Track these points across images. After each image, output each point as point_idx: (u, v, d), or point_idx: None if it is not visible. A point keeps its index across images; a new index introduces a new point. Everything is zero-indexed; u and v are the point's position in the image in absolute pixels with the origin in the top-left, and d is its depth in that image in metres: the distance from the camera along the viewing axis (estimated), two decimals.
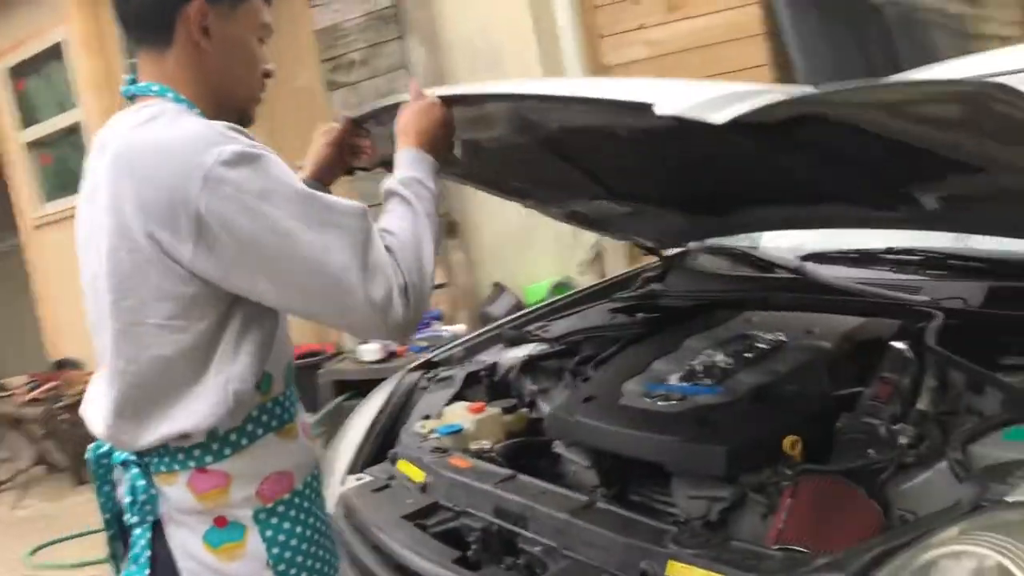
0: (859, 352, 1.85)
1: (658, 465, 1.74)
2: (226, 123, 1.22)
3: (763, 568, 1.30)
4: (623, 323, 2.43)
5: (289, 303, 1.23)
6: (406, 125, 1.44)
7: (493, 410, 2.11)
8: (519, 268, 4.65)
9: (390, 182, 1.36)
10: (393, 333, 1.23)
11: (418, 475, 1.92)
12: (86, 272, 1.30)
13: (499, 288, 4.55)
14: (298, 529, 1.32)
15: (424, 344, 4.13)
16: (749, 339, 1.97)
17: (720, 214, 2.20)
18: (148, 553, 1.28)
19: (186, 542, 1.28)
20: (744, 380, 1.81)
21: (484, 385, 2.32)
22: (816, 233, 2.43)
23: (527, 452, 2.03)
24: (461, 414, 2.10)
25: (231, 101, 1.33)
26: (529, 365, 2.33)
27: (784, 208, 2.08)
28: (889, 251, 2.20)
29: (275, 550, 1.29)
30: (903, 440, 1.56)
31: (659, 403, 1.81)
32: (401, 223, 1.29)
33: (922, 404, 1.64)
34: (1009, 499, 1.19)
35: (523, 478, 1.78)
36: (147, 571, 1.28)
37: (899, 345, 1.79)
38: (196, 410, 1.22)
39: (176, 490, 1.27)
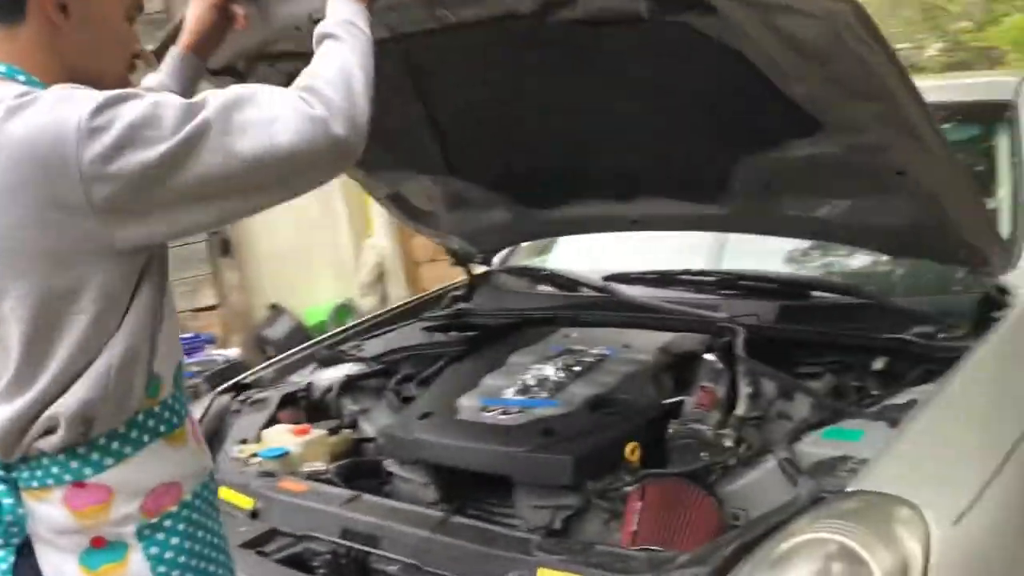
0: (676, 364, 1.99)
1: (499, 478, 1.78)
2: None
3: (631, 568, 1.37)
4: (440, 341, 2.45)
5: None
6: None
7: (319, 432, 2.05)
8: (296, 289, 4.53)
9: (322, 25, 1.25)
10: (346, 156, 1.13)
11: (245, 502, 1.82)
12: None
13: (276, 310, 4.41)
14: (187, 544, 1.18)
15: (196, 369, 3.91)
16: (575, 353, 2.06)
17: (544, 205, 2.29)
18: None
19: (60, 566, 1.13)
20: (577, 392, 1.89)
21: (301, 407, 2.25)
22: (616, 256, 2.60)
23: (360, 472, 1.99)
24: (284, 437, 2.02)
25: (93, 85, 1.16)
26: (348, 385, 2.28)
27: (604, 204, 2.20)
28: (686, 272, 2.40)
29: (161, 569, 1.15)
30: (728, 443, 1.70)
31: (499, 417, 1.84)
32: (329, 61, 1.19)
33: (740, 410, 1.80)
34: (849, 489, 1.34)
35: (368, 497, 1.75)
36: None
37: (711, 357, 1.95)
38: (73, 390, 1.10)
39: (49, 508, 1.12)
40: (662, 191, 2.12)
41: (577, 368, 1.98)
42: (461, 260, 2.76)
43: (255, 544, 1.67)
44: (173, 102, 1.07)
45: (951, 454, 1.46)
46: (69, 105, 1.05)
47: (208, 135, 1.05)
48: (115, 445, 1.13)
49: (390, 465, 1.95)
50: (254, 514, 1.78)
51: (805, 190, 1.93)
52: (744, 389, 1.84)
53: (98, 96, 1.06)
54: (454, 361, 2.26)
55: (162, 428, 1.18)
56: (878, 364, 1.89)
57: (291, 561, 1.63)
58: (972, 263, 1.94)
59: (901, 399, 1.62)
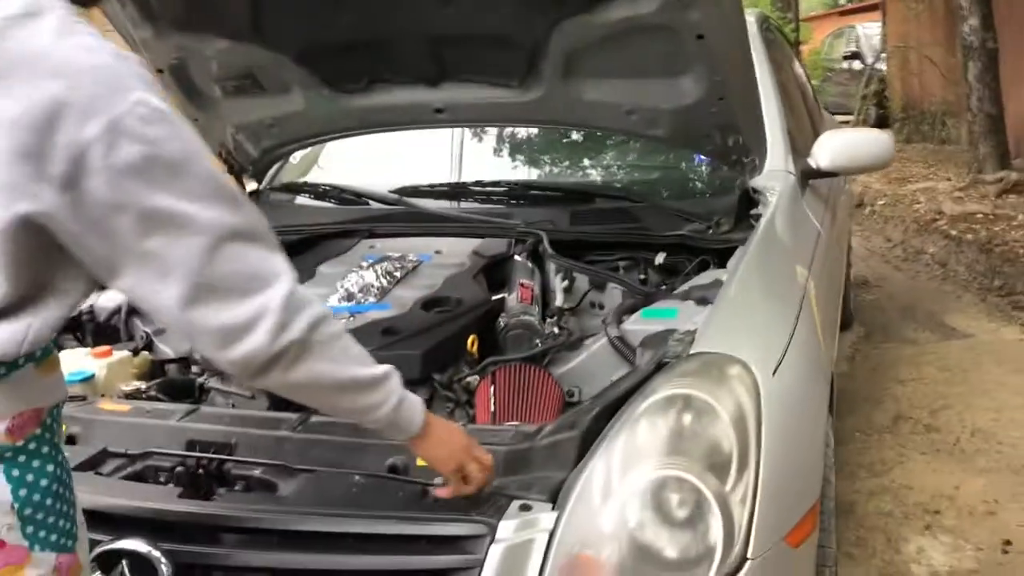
0: (488, 266, 2.10)
1: None
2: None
3: (506, 440, 1.46)
4: None
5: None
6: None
7: (122, 353, 1.91)
8: None
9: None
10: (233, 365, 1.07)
11: None
12: None
13: None
14: (48, 468, 1.11)
15: None
16: (389, 260, 2.09)
17: (346, 88, 2.26)
18: None
19: None
20: (405, 295, 1.94)
21: (88, 331, 2.07)
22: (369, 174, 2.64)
23: (175, 392, 1.89)
24: (84, 360, 1.87)
25: None
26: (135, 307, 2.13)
27: (409, 90, 2.22)
28: (478, 183, 2.50)
29: (22, 492, 1.07)
30: (554, 330, 1.85)
31: None
32: (350, 344, 1.16)
33: (558, 301, 1.96)
34: (689, 353, 1.53)
35: (208, 409, 1.68)
36: None
37: (520, 258, 2.09)
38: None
39: None
40: (471, 74, 2.17)
41: (397, 273, 2.03)
42: (236, 171, 2.65)
43: (90, 466, 1.55)
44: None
45: (760, 320, 1.71)
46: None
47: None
48: None
49: (211, 382, 1.88)
50: (71, 439, 1.64)
51: (607, 71, 2.07)
52: (560, 283, 1.99)
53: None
54: None
55: (37, 354, 1.08)
56: (660, 258, 2.13)
57: (137, 479, 1.54)
58: (735, 159, 2.23)
59: (704, 280, 1.85)
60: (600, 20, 1.93)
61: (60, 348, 1.47)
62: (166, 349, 2.08)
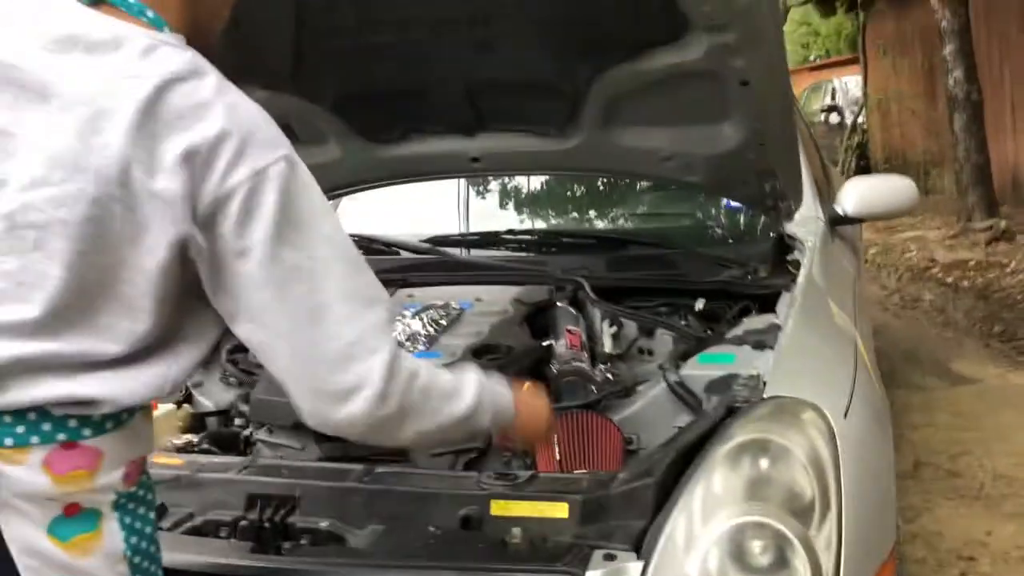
0: (531, 313, 2.09)
1: None
2: None
3: (581, 489, 1.44)
4: None
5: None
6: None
7: (167, 406, 1.88)
8: None
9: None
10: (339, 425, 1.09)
11: None
12: None
13: None
14: (151, 515, 1.11)
15: None
16: (433, 308, 2.07)
17: (382, 139, 2.25)
18: None
19: (26, 537, 1.00)
20: (452, 343, 1.92)
21: None
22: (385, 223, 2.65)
23: (222, 444, 1.86)
24: None
25: (202, 39, 1.09)
26: None
27: (445, 140, 2.22)
28: (510, 232, 2.50)
29: (133, 540, 1.06)
30: (608, 376, 1.84)
31: None
32: (442, 384, 1.18)
33: (607, 348, 1.94)
34: (765, 397, 1.52)
35: (264, 461, 1.64)
36: None
37: (563, 305, 2.08)
38: (125, 383, 0.98)
39: (23, 471, 0.98)
40: (509, 123, 2.18)
41: (443, 322, 2.01)
42: None
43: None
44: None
45: (823, 364, 1.71)
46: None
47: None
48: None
49: (259, 433, 1.85)
50: None
51: (647, 117, 2.09)
52: (607, 329, 1.98)
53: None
54: None
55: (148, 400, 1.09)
56: (700, 304, 2.12)
57: (198, 533, 1.49)
58: (771, 206, 2.24)
59: (758, 325, 1.85)
60: (645, 67, 1.95)
61: None
62: (206, 402, 2.05)
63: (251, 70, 2.12)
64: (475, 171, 2.37)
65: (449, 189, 2.85)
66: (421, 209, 2.92)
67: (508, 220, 2.73)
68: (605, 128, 2.16)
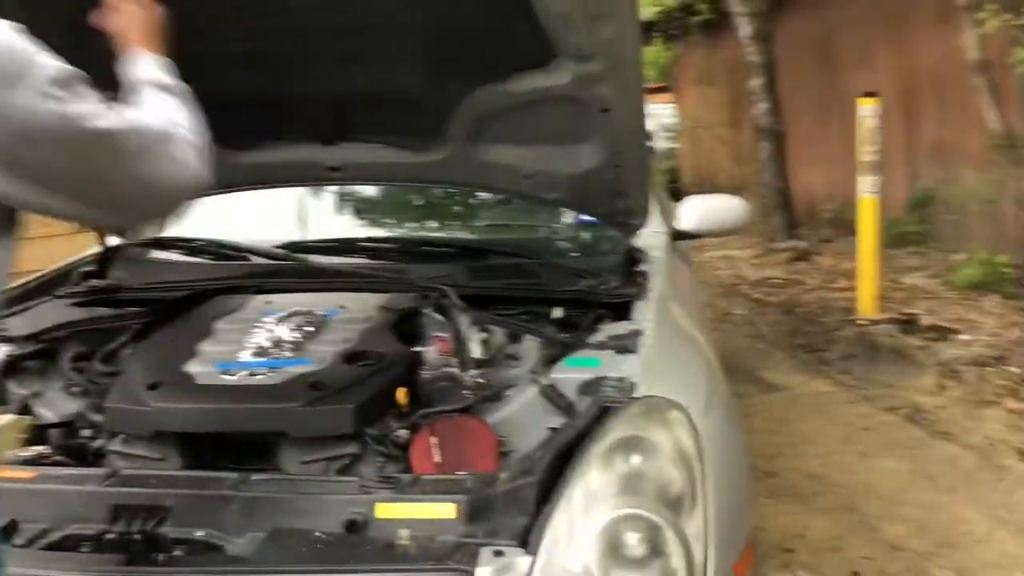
0: (397, 320, 2.09)
1: (247, 442, 1.73)
2: None
3: (466, 489, 1.47)
4: (105, 316, 2.22)
5: None
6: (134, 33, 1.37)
7: (8, 417, 1.75)
8: None
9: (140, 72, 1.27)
10: None
11: None
12: None
13: None
14: None
15: None
16: (297, 315, 2.04)
17: (237, 145, 2.19)
18: None
19: None
20: (321, 349, 1.90)
21: None
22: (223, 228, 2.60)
23: (74, 455, 1.75)
24: None
25: None
26: (11, 367, 1.96)
27: (303, 148, 2.19)
28: (369, 239, 2.49)
29: None
30: (480, 380, 1.87)
31: (252, 378, 1.78)
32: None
33: (475, 353, 1.98)
34: (635, 396, 1.60)
35: (129, 472, 1.56)
36: None
37: (432, 312, 2.10)
38: None
39: None
40: (373, 135, 2.19)
41: (309, 328, 1.98)
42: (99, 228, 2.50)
43: (3, 536, 1.40)
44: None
45: (682, 366, 1.82)
46: None
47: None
48: None
49: (115, 444, 1.76)
50: None
51: (512, 136, 2.15)
52: (476, 336, 2.02)
53: None
54: (141, 335, 2.07)
55: None
56: (557, 312, 2.20)
57: (61, 549, 1.41)
58: (622, 222, 2.36)
59: (620, 331, 1.94)
60: (513, 89, 2.02)
61: None
62: (46, 413, 1.93)
63: (96, 74, 2.02)
64: (333, 180, 2.35)
65: (302, 196, 2.81)
66: (270, 216, 2.85)
67: (363, 229, 2.72)
68: (469, 144, 2.21)
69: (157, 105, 1.11)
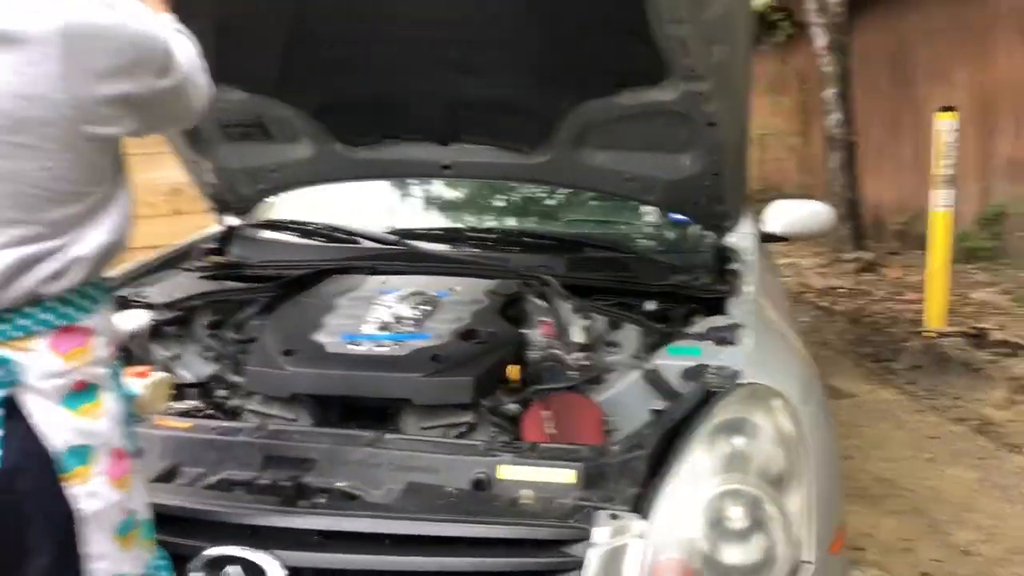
0: (504, 304, 2.23)
1: (371, 407, 1.88)
2: None
3: (581, 456, 1.60)
4: (235, 289, 2.39)
5: None
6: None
7: (159, 374, 1.91)
8: None
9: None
10: None
11: None
12: None
13: None
14: (120, 387, 1.32)
15: None
16: (415, 295, 2.18)
17: (357, 142, 2.34)
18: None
19: (49, 411, 1.18)
20: (438, 327, 2.04)
21: None
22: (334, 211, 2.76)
23: (219, 411, 1.92)
24: (123, 380, 1.86)
25: None
26: (154, 331, 2.14)
27: (419, 147, 2.33)
28: (472, 230, 2.64)
29: (124, 406, 1.29)
30: (584, 362, 2.00)
31: (376, 349, 1.93)
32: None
33: (577, 338, 2.11)
34: (741, 382, 1.72)
35: (276, 427, 1.73)
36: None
37: (535, 298, 2.23)
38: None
39: (34, 356, 1.17)
40: (484, 137, 2.32)
41: (426, 307, 2.13)
42: (220, 207, 2.69)
43: (167, 478, 1.57)
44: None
45: (779, 359, 1.92)
46: None
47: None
48: (94, 292, 1.24)
49: (252, 404, 1.92)
50: (136, 453, 1.65)
51: (616, 143, 2.27)
52: (578, 322, 2.15)
53: None
54: (269, 307, 2.24)
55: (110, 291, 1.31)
56: (650, 305, 2.32)
57: (218, 490, 1.57)
58: (716, 224, 2.47)
59: (719, 323, 2.05)
60: (621, 102, 2.13)
61: None
62: (185, 373, 2.10)
63: (236, 75, 2.20)
64: (444, 176, 2.50)
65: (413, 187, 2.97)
66: (382, 203, 3.02)
67: (467, 219, 2.87)
68: (575, 149, 2.33)
69: (186, 46, 1.30)
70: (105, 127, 1.16)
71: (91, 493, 1.20)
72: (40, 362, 1.17)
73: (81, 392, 1.21)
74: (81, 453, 1.20)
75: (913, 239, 8.15)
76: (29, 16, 1.07)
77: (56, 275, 1.17)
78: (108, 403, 1.25)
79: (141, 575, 1.29)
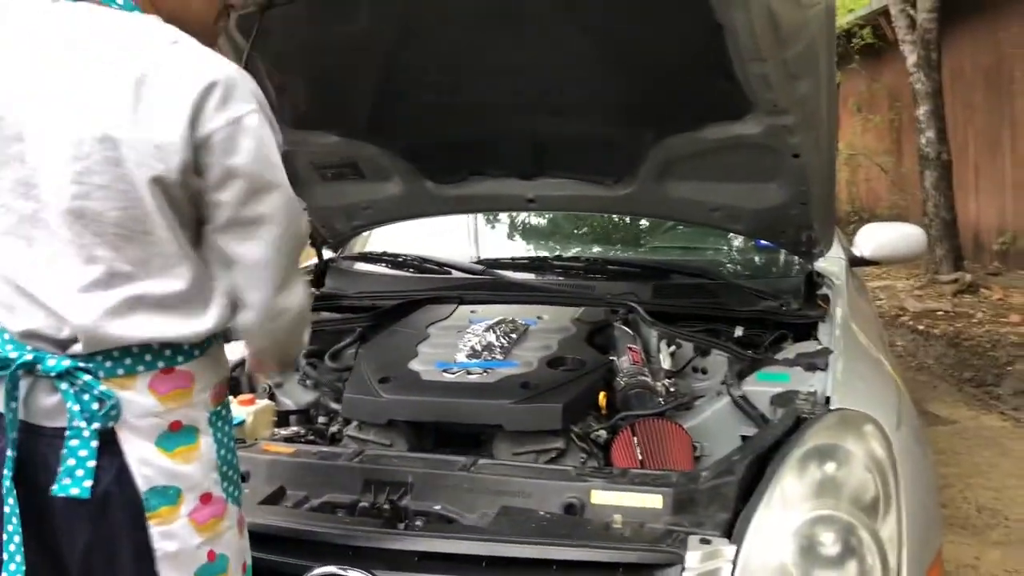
0: (591, 332, 2.27)
1: (464, 433, 1.93)
2: None
3: (671, 483, 1.62)
4: (331, 319, 2.49)
5: None
6: None
7: (264, 402, 2.02)
8: None
9: None
10: None
11: None
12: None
13: None
14: (231, 431, 1.35)
15: None
16: (503, 323, 2.24)
17: (445, 180, 2.42)
18: (92, 463, 1.19)
19: (140, 449, 1.22)
20: (525, 355, 2.09)
21: None
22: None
23: (319, 437, 2.01)
24: (232, 407, 1.97)
25: (179, 24, 1.24)
26: None
27: (504, 182, 2.40)
28: (557, 258, 2.69)
29: (223, 451, 1.30)
30: (672, 389, 2.02)
31: (469, 376, 1.99)
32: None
33: (666, 364, 2.13)
34: (831, 408, 1.72)
35: (373, 451, 1.80)
36: (89, 482, 1.18)
37: (622, 326, 2.27)
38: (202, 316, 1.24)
39: (133, 394, 1.22)
40: (567, 172, 2.38)
41: (513, 335, 2.18)
42: (316, 243, 2.81)
43: (274, 500, 1.65)
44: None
45: (872, 385, 1.91)
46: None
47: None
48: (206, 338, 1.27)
49: (349, 430, 2.00)
50: (242, 477, 1.74)
51: (699, 175, 2.29)
52: (666, 348, 2.17)
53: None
54: (364, 337, 2.33)
55: (221, 336, 1.33)
56: (739, 331, 2.32)
57: (325, 511, 1.64)
58: (804, 250, 2.46)
59: (808, 349, 2.05)
60: (705, 136, 2.15)
61: None
62: (286, 401, 2.20)
63: (330, 120, 2.30)
64: (529, 210, 2.56)
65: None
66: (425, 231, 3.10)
67: (551, 248, 2.92)
68: (658, 181, 2.35)
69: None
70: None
71: (170, 534, 1.22)
72: (138, 400, 1.21)
73: (176, 433, 1.24)
74: (167, 494, 1.22)
75: (1015, 259, 7.87)
76: None
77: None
78: (205, 447, 1.26)
79: None
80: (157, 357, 1.23)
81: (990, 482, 3.75)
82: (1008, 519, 3.37)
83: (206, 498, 1.26)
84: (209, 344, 1.28)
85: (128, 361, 1.22)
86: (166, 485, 1.22)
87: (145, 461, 1.21)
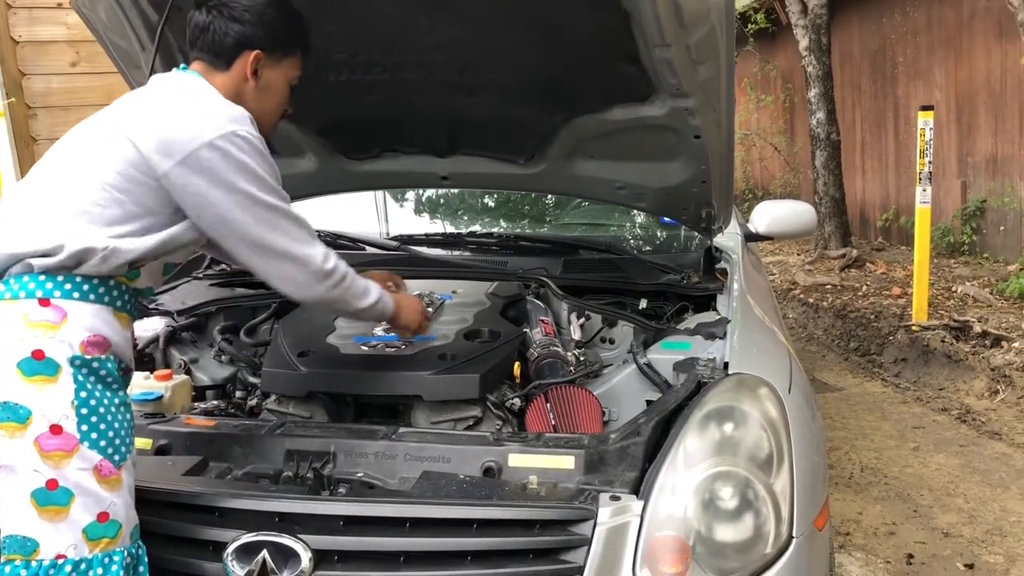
0: (504, 305, 2.35)
1: (380, 405, 1.99)
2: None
3: (583, 444, 1.72)
4: (246, 295, 2.49)
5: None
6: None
7: (180, 377, 2.03)
8: None
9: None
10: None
11: (143, 443, 1.78)
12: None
13: None
14: (109, 394, 1.44)
15: None
16: (419, 298, 2.29)
17: (358, 156, 2.45)
18: None
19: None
20: (442, 328, 2.16)
21: None
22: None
23: (238, 410, 2.03)
24: (148, 382, 1.98)
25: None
26: (171, 337, 2.25)
27: (418, 159, 2.45)
28: (471, 234, 2.75)
29: (83, 395, 1.39)
30: (582, 358, 2.12)
31: (387, 349, 2.04)
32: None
33: (575, 336, 2.23)
34: (729, 373, 1.84)
35: (294, 423, 1.84)
36: None
37: (534, 299, 2.36)
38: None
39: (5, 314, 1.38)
40: (480, 150, 2.45)
41: (430, 309, 2.24)
42: None
43: (197, 472, 1.68)
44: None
45: (766, 352, 2.05)
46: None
47: None
48: (86, 287, 1.44)
49: (269, 404, 2.03)
50: (161, 450, 1.76)
51: (607, 154, 2.40)
52: (575, 320, 2.27)
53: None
54: (279, 313, 2.36)
55: (118, 303, 1.49)
56: (643, 303, 2.44)
57: (249, 481, 1.68)
58: (704, 226, 2.59)
59: (708, 319, 2.17)
60: (612, 117, 2.25)
61: None
62: (202, 376, 2.21)
63: None
64: (443, 187, 2.62)
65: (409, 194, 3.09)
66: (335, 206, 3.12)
67: (458, 223, 2.99)
68: (568, 159, 2.45)
69: None
70: None
71: (10, 447, 1.34)
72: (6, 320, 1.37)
73: (39, 362, 1.37)
74: (18, 411, 1.35)
75: (897, 235, 8.32)
76: None
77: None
78: (62, 385, 1.37)
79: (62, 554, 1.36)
80: (38, 286, 1.40)
81: (872, 444, 4.01)
82: (887, 477, 3.63)
83: (56, 429, 1.36)
84: (94, 298, 1.44)
85: (15, 286, 1.41)
86: (17, 403, 1.35)
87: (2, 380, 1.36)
